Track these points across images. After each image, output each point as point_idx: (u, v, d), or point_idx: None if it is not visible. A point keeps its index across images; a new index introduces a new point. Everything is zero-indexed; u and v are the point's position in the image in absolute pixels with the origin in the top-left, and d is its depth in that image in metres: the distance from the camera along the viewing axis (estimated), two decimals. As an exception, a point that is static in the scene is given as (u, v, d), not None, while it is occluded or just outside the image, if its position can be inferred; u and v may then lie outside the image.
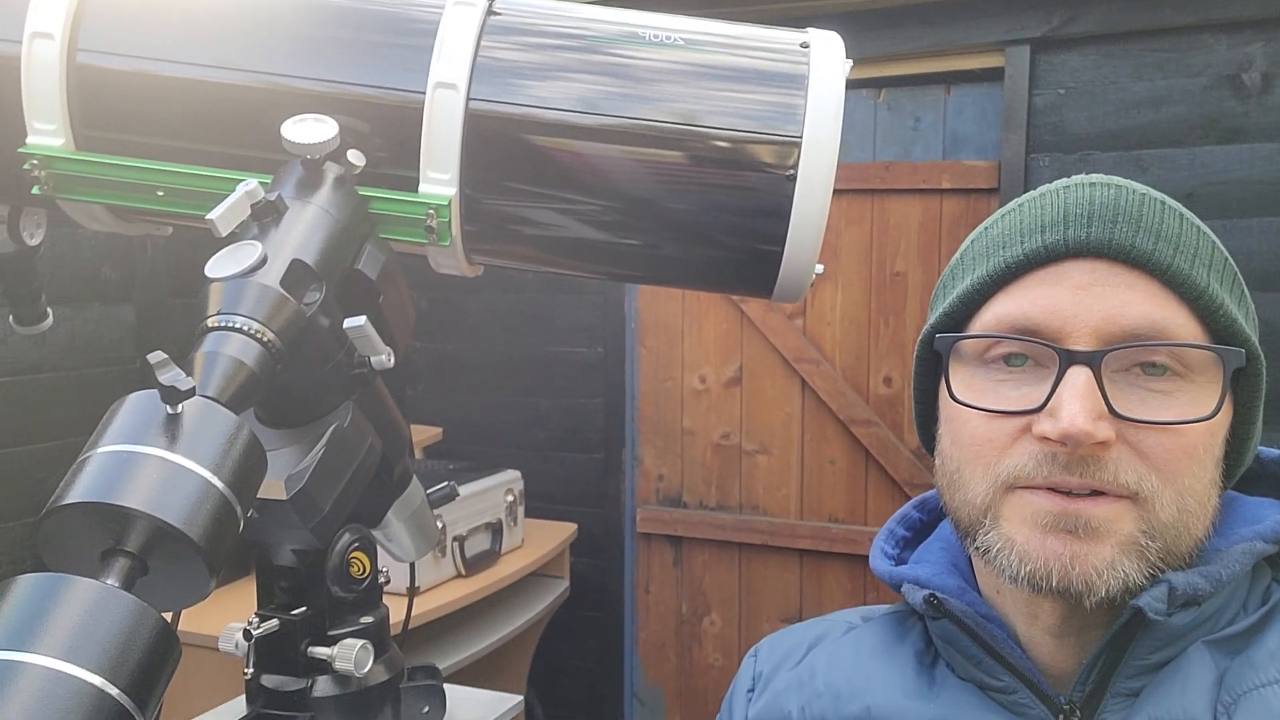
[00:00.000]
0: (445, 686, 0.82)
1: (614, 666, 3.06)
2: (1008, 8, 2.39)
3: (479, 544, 2.47)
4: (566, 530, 2.87)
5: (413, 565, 0.87)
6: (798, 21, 0.85)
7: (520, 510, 2.64)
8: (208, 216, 0.66)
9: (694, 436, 2.92)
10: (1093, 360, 0.56)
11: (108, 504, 0.47)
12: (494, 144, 0.79)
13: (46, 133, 0.79)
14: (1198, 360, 0.58)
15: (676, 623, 3.01)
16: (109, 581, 0.46)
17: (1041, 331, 0.59)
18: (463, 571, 2.39)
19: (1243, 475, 0.65)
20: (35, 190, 0.79)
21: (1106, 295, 0.58)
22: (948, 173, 2.57)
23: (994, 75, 2.48)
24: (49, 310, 1.10)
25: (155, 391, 0.52)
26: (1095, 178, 0.63)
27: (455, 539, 2.38)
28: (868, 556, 2.75)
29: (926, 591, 0.63)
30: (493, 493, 2.53)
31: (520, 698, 0.83)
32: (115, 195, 0.80)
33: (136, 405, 0.52)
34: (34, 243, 1.02)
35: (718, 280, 0.89)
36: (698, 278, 0.89)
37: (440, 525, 2.30)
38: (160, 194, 0.79)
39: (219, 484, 0.51)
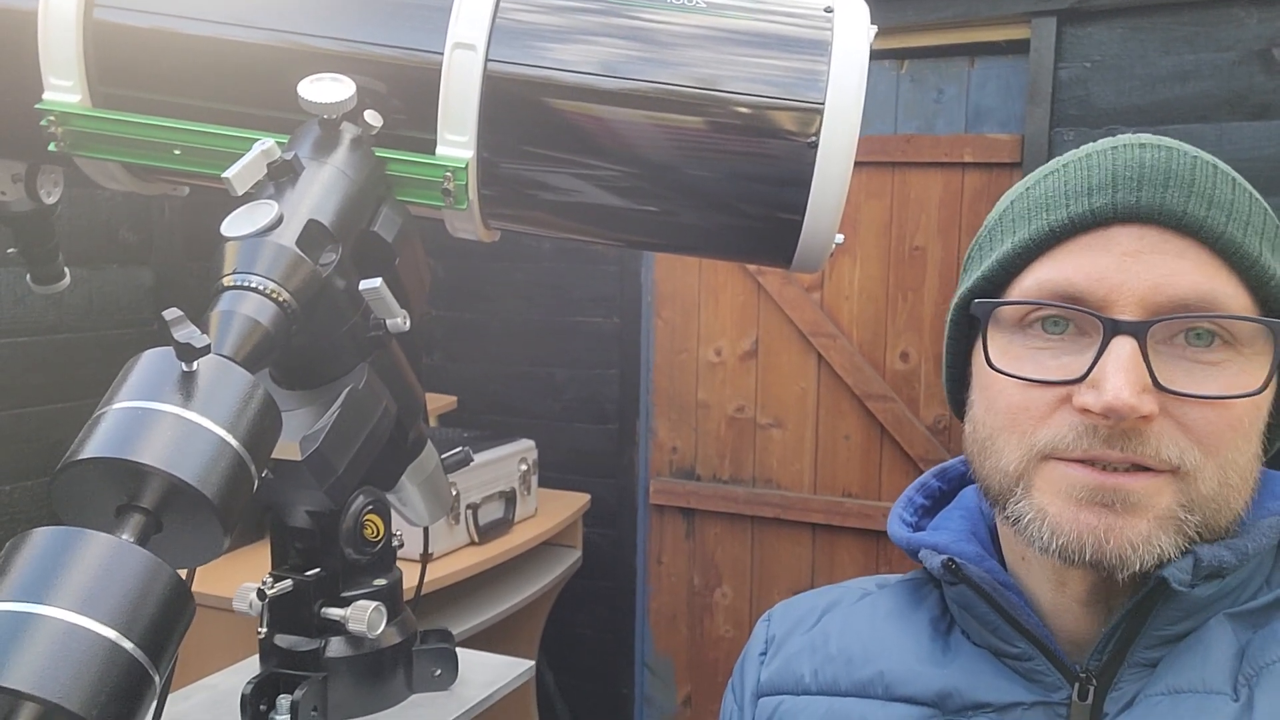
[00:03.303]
0: (457, 650, 0.82)
1: (625, 636, 3.08)
2: (1035, -21, 2.35)
3: (492, 512, 2.48)
4: (580, 500, 2.88)
5: (426, 530, 0.87)
6: (823, -14, 0.84)
7: (534, 479, 2.65)
8: (223, 175, 0.66)
9: (708, 409, 2.91)
10: (1138, 331, 0.54)
11: (123, 459, 0.47)
12: (512, 106, 0.78)
13: (63, 89, 0.78)
14: (1247, 332, 0.56)
15: (688, 594, 3.02)
16: (124, 537, 0.46)
17: (1085, 299, 0.57)
18: (476, 539, 2.40)
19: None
20: (51, 147, 0.79)
21: (1155, 263, 0.56)
22: (970, 146, 2.54)
23: (1019, 48, 2.44)
24: (66, 270, 1.10)
25: (170, 349, 0.51)
26: (1144, 138, 0.60)
27: (469, 507, 2.39)
28: (881, 532, 2.73)
29: (945, 556, 0.63)
30: (507, 461, 2.54)
31: (531, 663, 0.84)
32: (132, 153, 0.79)
33: (151, 362, 0.52)
34: (51, 201, 1.02)
35: (736, 249, 0.88)
36: (716, 246, 0.89)
37: (454, 492, 2.31)
38: (176, 152, 0.78)
39: (234, 442, 0.50)
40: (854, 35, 0.80)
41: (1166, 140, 0.60)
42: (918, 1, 2.47)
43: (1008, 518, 0.60)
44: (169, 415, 0.49)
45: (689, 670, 3.06)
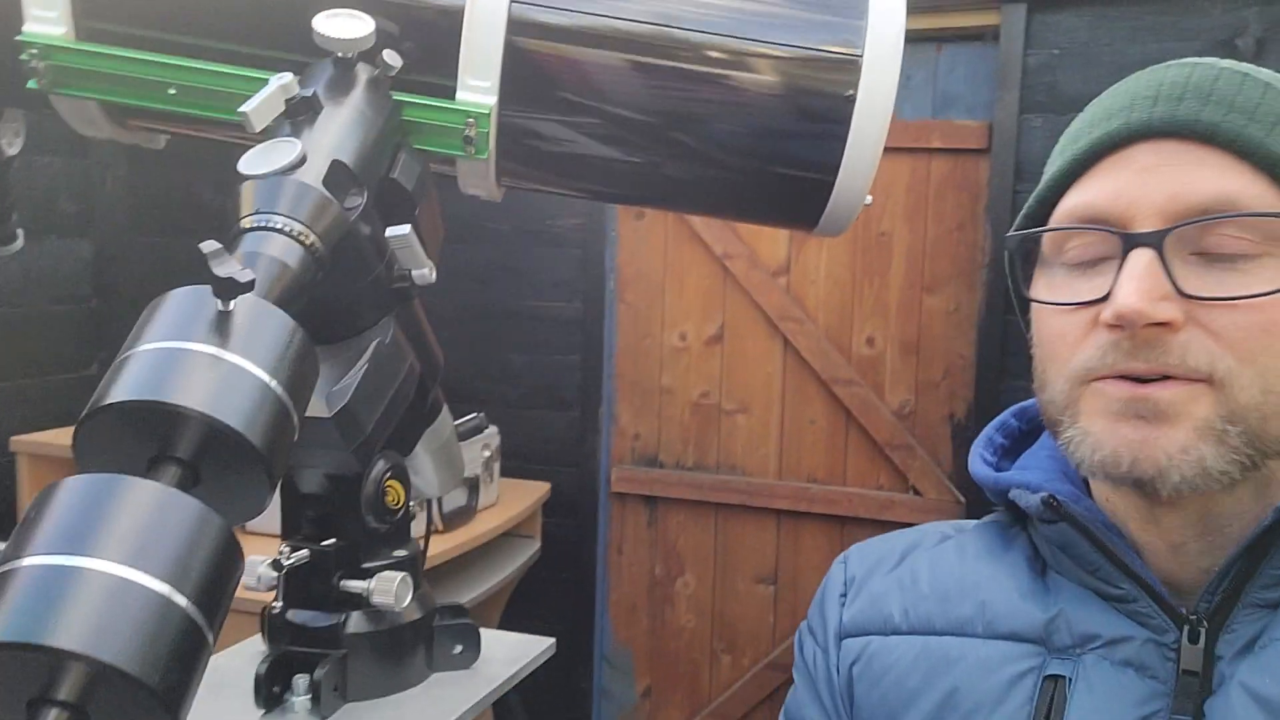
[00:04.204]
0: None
1: (584, 629, 3.03)
2: (1003, -34, 2.35)
3: (456, 499, 2.41)
4: (540, 489, 2.83)
5: (439, 502, 0.82)
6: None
7: (496, 467, 2.59)
8: (241, 109, 0.60)
9: (672, 395, 2.88)
10: (1154, 240, 0.54)
11: (157, 402, 0.42)
12: (537, 53, 0.74)
13: (46, 20, 0.72)
14: (1278, 231, 0.54)
15: (649, 584, 2.99)
16: (162, 488, 0.40)
17: (1107, 218, 0.56)
18: (440, 527, 2.34)
19: None
20: (32, 84, 0.73)
21: (1173, 174, 0.55)
22: (938, 132, 2.54)
23: (986, 34, 2.45)
24: (20, 232, 1.03)
25: (201, 287, 0.46)
26: (1182, 61, 0.60)
27: (431, 493, 2.33)
28: (846, 518, 2.67)
29: (1044, 494, 0.60)
30: (469, 448, 2.48)
31: (552, 640, 0.79)
32: (121, 92, 0.73)
33: (183, 300, 0.47)
34: (12, 152, 0.95)
35: (762, 209, 0.85)
36: (742, 205, 0.85)
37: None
38: (172, 92, 0.73)
39: (277, 387, 0.46)
40: (889, -12, 0.77)
41: (1207, 60, 0.59)
42: (887, -14, 2.46)
43: (1063, 445, 0.59)
44: (206, 355, 0.44)
45: (649, 662, 3.03)
